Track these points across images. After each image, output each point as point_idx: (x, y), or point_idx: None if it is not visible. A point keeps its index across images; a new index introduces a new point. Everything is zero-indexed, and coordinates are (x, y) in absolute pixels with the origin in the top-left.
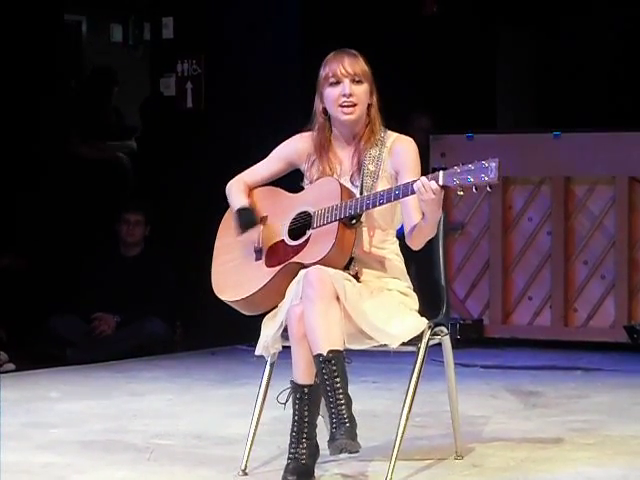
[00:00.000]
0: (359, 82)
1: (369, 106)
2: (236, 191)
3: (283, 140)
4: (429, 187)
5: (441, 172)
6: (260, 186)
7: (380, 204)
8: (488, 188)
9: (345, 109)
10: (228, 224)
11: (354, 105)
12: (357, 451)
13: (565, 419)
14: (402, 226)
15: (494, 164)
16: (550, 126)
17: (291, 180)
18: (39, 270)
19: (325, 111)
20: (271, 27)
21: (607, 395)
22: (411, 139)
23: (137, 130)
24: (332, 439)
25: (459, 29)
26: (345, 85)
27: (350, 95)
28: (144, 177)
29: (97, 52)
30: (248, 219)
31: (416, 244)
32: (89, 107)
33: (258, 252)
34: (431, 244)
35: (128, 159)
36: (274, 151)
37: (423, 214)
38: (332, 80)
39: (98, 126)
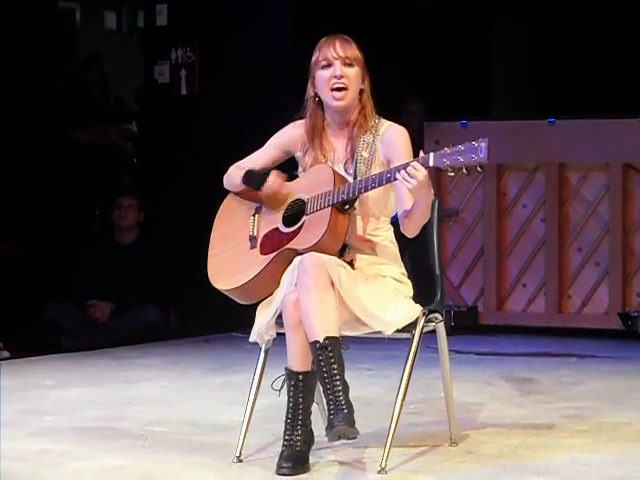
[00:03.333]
0: (350, 65)
1: (361, 92)
2: (235, 173)
3: (278, 127)
4: (414, 173)
5: (431, 154)
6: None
7: (372, 188)
8: (478, 168)
9: (336, 93)
10: (224, 214)
11: (345, 89)
12: (355, 437)
13: (559, 406)
14: (397, 213)
15: (484, 144)
16: (544, 113)
17: (286, 168)
18: (34, 257)
19: (316, 97)
20: (265, 14)
21: (601, 382)
22: (403, 128)
23: (136, 115)
24: (330, 426)
25: (453, 16)
26: (336, 67)
27: (341, 77)
28: (139, 163)
29: (91, 39)
30: (258, 174)
31: (410, 230)
32: (83, 93)
33: (253, 240)
34: (425, 231)
35: (129, 143)
36: (270, 140)
37: (415, 199)
38: (323, 63)
39: (94, 111)
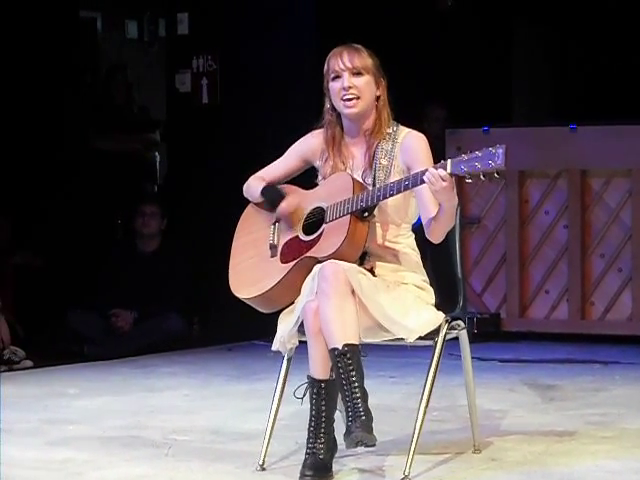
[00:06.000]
0: (358, 74)
1: (377, 99)
2: (255, 184)
3: (299, 135)
4: (438, 176)
5: (449, 160)
6: (276, 184)
7: (390, 195)
8: (496, 174)
9: (347, 102)
10: (245, 223)
11: (356, 98)
12: (373, 444)
13: (583, 412)
14: (418, 220)
15: (501, 150)
16: (566, 119)
17: (306, 177)
18: (57, 267)
19: (333, 108)
20: (286, 22)
21: (625, 388)
22: (422, 134)
23: (159, 124)
24: (348, 432)
25: (474, 23)
26: (344, 78)
27: (349, 88)
28: (161, 171)
29: (112, 49)
30: (274, 194)
31: (436, 237)
32: (107, 102)
33: (273, 249)
34: (447, 238)
35: (153, 152)
36: (289, 149)
37: (439, 205)
38: (332, 75)
39: (118, 120)
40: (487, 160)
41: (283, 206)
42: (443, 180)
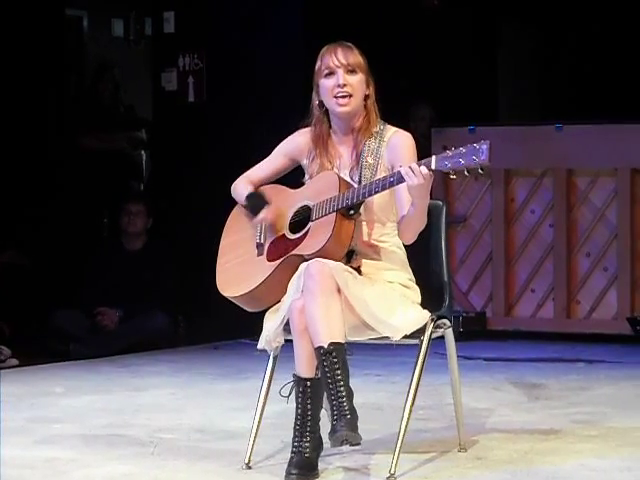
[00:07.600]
0: (353, 72)
1: (366, 98)
2: (241, 187)
3: (285, 134)
4: (418, 172)
5: (433, 157)
6: (264, 184)
7: (376, 192)
8: (480, 170)
9: (340, 100)
10: (233, 223)
11: (349, 96)
12: (358, 443)
13: (568, 411)
14: None
15: (485, 146)
16: (552, 118)
17: (294, 176)
18: (42, 265)
19: (322, 105)
20: (273, 21)
21: (610, 387)
22: (409, 134)
23: (145, 123)
24: (333, 431)
25: (460, 21)
26: (339, 75)
27: (344, 85)
28: (147, 170)
29: (98, 47)
30: (257, 202)
31: (407, 236)
32: (93, 100)
33: (260, 247)
34: (433, 236)
35: (139, 150)
36: (276, 148)
37: (412, 202)
38: (326, 72)
39: (104, 118)
40: (471, 156)
41: (261, 216)
42: (423, 177)
